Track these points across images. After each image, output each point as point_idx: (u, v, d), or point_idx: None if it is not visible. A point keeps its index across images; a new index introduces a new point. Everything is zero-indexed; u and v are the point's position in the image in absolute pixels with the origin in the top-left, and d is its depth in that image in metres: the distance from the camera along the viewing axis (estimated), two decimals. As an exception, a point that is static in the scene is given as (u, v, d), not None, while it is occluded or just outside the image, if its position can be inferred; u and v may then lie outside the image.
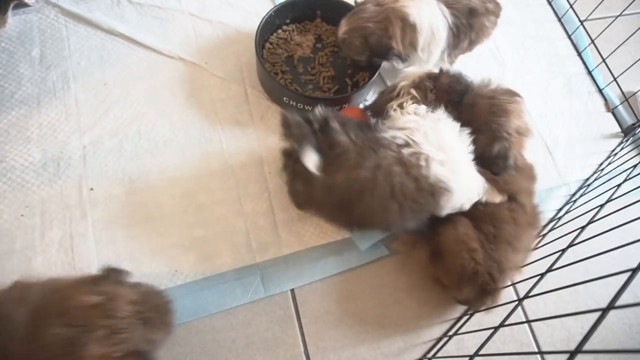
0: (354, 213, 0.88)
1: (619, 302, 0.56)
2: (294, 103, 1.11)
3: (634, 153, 1.23)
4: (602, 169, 1.20)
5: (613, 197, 0.96)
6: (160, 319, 0.71)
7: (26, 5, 1.19)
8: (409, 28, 1.04)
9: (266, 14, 1.17)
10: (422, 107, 0.93)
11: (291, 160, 0.91)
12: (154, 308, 0.70)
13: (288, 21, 1.26)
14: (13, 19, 1.18)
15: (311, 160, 0.82)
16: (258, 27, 1.15)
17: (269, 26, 1.22)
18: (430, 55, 1.10)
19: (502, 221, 0.92)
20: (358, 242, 1.03)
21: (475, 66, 1.28)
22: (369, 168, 0.82)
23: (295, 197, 0.98)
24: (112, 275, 0.70)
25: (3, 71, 1.12)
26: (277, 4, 1.22)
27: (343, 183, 0.83)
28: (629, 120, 1.32)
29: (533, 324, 1.03)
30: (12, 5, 1.16)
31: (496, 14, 1.16)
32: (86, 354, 0.56)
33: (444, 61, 1.15)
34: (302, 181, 0.91)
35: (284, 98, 1.12)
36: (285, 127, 0.86)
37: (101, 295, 0.63)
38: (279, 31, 1.25)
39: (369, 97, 1.22)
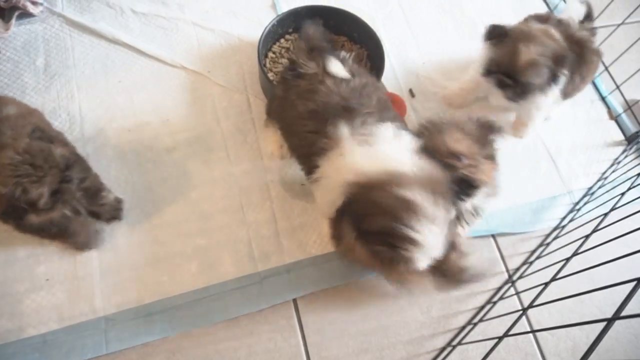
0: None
1: (624, 312, 0.55)
2: (297, 111, 1.11)
3: (637, 161, 1.22)
4: (606, 177, 1.19)
5: (617, 206, 0.95)
6: None
7: (31, 15, 1.21)
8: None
9: (269, 24, 1.18)
10: None
11: (289, 69, 0.94)
12: None
13: (290, 30, 1.27)
14: (18, 28, 1.19)
15: (337, 66, 0.87)
16: (261, 36, 1.16)
17: (272, 35, 1.22)
18: None
19: None
20: None
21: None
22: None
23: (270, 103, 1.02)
24: None
25: (8, 80, 1.13)
26: (279, 13, 1.23)
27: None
28: (632, 128, 1.31)
29: (538, 333, 1.02)
30: (16, 14, 1.18)
31: None
32: None
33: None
34: (283, 89, 0.94)
35: (287, 106, 1.12)
36: (309, 37, 0.92)
37: None
38: (282, 40, 1.26)
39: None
